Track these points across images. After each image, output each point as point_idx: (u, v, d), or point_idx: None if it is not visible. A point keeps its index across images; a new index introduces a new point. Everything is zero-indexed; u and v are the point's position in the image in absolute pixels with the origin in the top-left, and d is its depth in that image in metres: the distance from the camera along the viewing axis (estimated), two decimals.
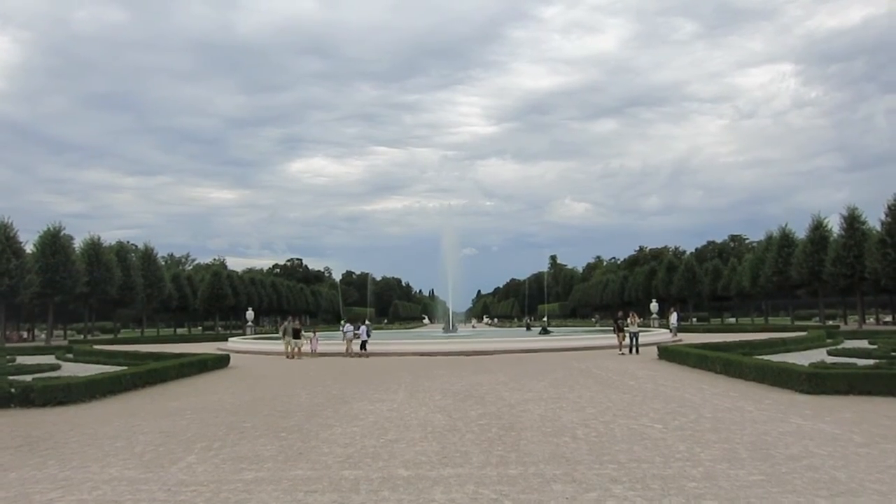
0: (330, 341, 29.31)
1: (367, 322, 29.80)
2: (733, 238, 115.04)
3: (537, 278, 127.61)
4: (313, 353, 26.90)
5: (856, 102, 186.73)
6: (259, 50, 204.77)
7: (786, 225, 58.47)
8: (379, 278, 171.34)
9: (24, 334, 60.75)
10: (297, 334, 26.36)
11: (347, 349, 26.42)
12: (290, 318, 33.65)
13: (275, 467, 7.37)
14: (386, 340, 33.83)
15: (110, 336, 57.50)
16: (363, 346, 26.40)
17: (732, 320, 75.90)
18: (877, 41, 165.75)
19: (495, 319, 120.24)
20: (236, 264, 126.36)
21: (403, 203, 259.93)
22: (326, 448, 8.36)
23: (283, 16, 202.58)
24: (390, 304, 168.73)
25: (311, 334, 28.50)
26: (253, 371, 20.80)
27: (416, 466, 7.29)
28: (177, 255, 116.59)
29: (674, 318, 40.16)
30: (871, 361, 15.73)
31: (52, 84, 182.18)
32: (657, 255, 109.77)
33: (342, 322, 29.83)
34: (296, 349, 26.09)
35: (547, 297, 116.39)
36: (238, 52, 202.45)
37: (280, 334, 29.00)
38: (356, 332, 26.73)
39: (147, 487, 6.60)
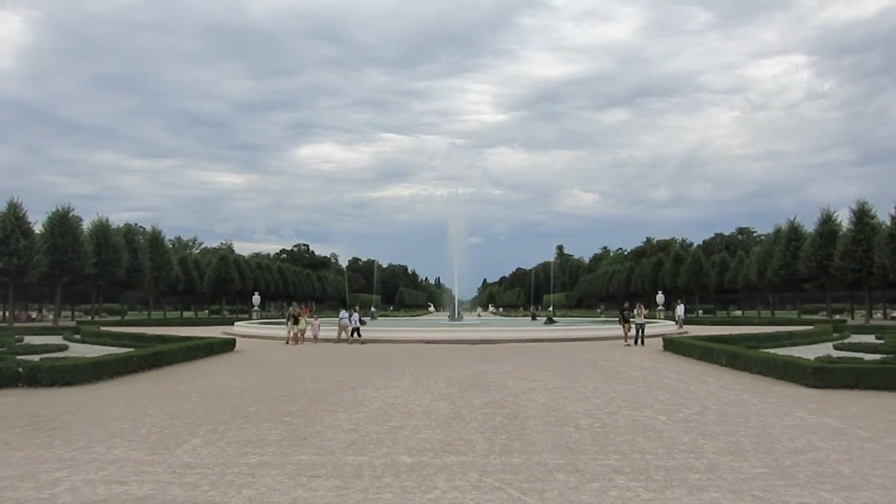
0: (334, 328, 29.41)
1: (373, 308, 30.04)
2: (741, 231, 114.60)
3: (544, 268, 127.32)
4: (315, 339, 27.00)
5: (870, 95, 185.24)
6: (269, 34, 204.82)
7: (794, 218, 58.19)
8: (385, 265, 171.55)
9: (34, 314, 61.18)
10: (296, 320, 26.54)
11: (339, 335, 26.74)
12: (293, 304, 33.85)
13: (279, 452, 7.40)
14: (391, 328, 33.93)
15: (117, 318, 57.85)
16: (354, 332, 26.60)
17: (739, 313, 75.62)
18: (892, 33, 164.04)
19: (500, 309, 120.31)
20: (243, 249, 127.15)
21: (411, 190, 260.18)
22: (331, 434, 8.39)
23: (293, 0, 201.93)
24: (396, 291, 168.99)
25: (312, 320, 28.63)
26: (259, 356, 20.90)
27: (420, 453, 7.30)
28: (184, 238, 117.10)
29: (680, 309, 40.09)
30: (877, 356, 15.65)
31: (62, 64, 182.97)
32: (664, 246, 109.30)
33: (354, 309, 30.11)
34: (297, 334, 26.25)
35: (553, 287, 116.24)
36: (248, 35, 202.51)
37: (285, 320, 29.32)
38: (350, 318, 27.00)
39: (152, 469, 6.64)
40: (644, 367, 16.75)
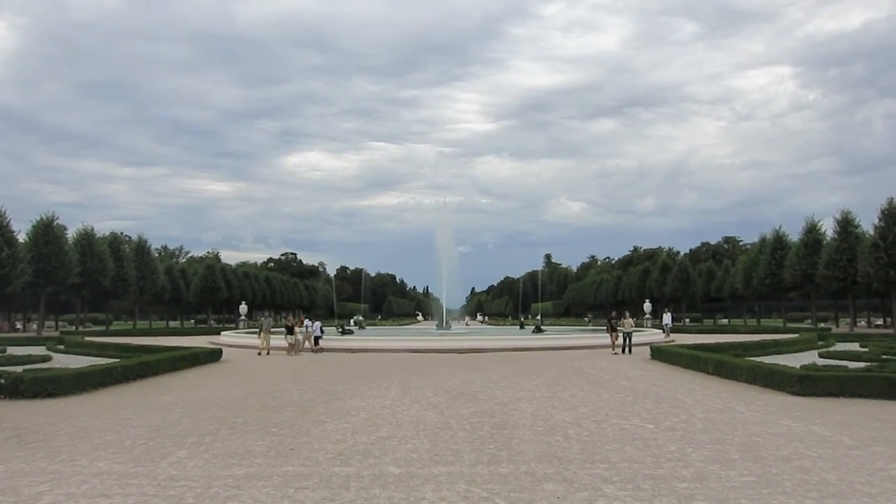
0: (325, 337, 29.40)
1: (360, 317, 30.28)
2: (727, 240, 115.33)
3: (532, 277, 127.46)
4: (296, 350, 26.85)
5: (854, 106, 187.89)
6: (258, 42, 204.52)
7: (779, 227, 58.74)
8: (373, 274, 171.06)
9: (19, 325, 60.37)
10: (290, 330, 26.52)
11: (303, 343, 27.55)
12: (265, 314, 34.24)
13: (265, 463, 7.34)
14: (379, 337, 33.85)
15: (102, 328, 57.20)
16: (316, 341, 27.73)
17: (725, 321, 75.99)
18: (876, 45, 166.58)
19: (486, 318, 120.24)
20: (230, 257, 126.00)
21: (399, 199, 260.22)
22: (318, 444, 8.34)
23: (283, 8, 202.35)
24: (384, 300, 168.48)
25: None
26: (245, 365, 20.75)
27: (408, 464, 7.27)
28: (170, 247, 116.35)
29: (667, 318, 40.31)
30: (861, 364, 15.81)
31: (47, 71, 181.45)
32: (651, 255, 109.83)
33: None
34: (294, 344, 26.20)
35: (541, 296, 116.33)
36: (236, 43, 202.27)
37: (259, 329, 29.52)
38: (311, 328, 28.10)
39: (136, 482, 6.56)
40: (631, 375, 16.79)
